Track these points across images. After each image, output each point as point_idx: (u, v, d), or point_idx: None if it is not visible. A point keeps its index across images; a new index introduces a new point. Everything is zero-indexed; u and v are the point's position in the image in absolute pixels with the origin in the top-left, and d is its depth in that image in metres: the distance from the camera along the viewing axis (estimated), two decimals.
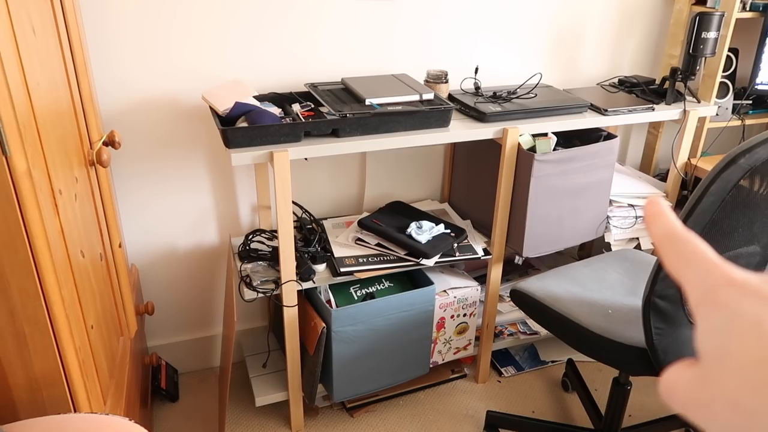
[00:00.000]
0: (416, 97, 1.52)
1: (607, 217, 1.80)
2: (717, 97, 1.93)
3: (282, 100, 1.58)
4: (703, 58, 1.77)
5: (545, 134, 1.64)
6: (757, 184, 1.04)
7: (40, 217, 0.81)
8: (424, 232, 1.65)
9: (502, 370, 1.98)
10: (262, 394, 1.69)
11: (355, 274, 1.55)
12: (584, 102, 1.69)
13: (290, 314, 1.54)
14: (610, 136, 1.72)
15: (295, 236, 1.52)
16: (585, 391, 1.78)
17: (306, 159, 1.80)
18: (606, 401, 1.62)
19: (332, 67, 1.72)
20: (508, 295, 2.03)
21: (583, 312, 1.36)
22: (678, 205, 1.97)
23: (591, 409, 1.72)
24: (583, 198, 1.70)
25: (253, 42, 1.62)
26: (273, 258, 1.59)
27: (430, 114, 1.49)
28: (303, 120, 1.45)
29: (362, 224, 1.69)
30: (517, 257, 1.76)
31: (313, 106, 1.55)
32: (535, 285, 1.48)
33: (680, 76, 1.77)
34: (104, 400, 1.10)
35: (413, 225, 1.66)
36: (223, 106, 1.41)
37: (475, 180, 1.82)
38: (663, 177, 2.05)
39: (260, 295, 1.50)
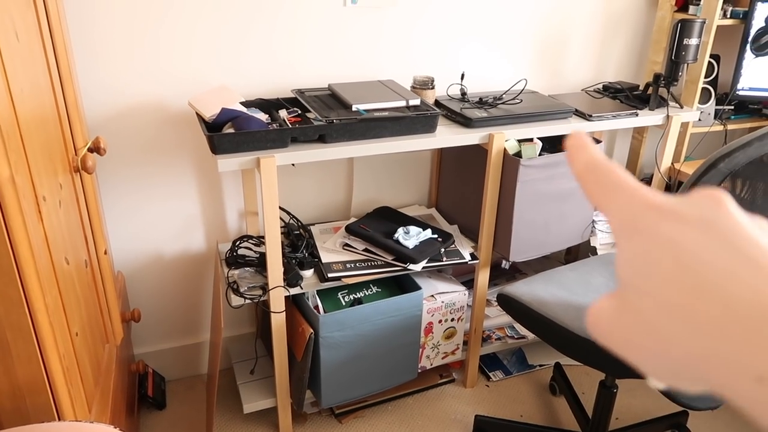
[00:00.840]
0: (403, 103, 1.53)
1: (593, 221, 1.81)
2: (699, 102, 1.96)
3: (269, 106, 1.58)
4: (686, 65, 1.80)
5: (531, 139, 1.65)
6: (738, 188, 1.06)
7: (24, 223, 0.81)
8: (411, 237, 1.65)
9: (490, 374, 1.99)
10: (250, 400, 1.68)
11: (342, 279, 1.55)
12: (569, 108, 1.71)
13: (278, 320, 1.53)
14: (594, 142, 1.74)
15: (282, 242, 1.52)
16: (572, 395, 1.79)
17: (293, 165, 1.80)
18: (593, 404, 1.63)
19: (319, 73, 1.72)
20: (496, 299, 2.04)
21: (570, 316, 1.37)
22: None
23: (578, 412, 1.73)
24: (569, 203, 1.71)
25: (240, 48, 1.62)
26: (260, 264, 1.59)
27: (416, 120, 1.50)
28: (290, 126, 1.46)
29: (350, 230, 1.69)
30: (504, 262, 1.77)
31: (299, 112, 1.56)
32: (522, 289, 1.49)
33: (663, 82, 1.79)
34: (89, 408, 1.09)
35: (400, 230, 1.67)
36: (210, 112, 1.41)
37: (462, 185, 1.83)
38: (648, 181, 2.08)
39: (247, 301, 1.50)
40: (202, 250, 1.81)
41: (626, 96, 1.90)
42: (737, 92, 1.99)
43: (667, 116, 1.80)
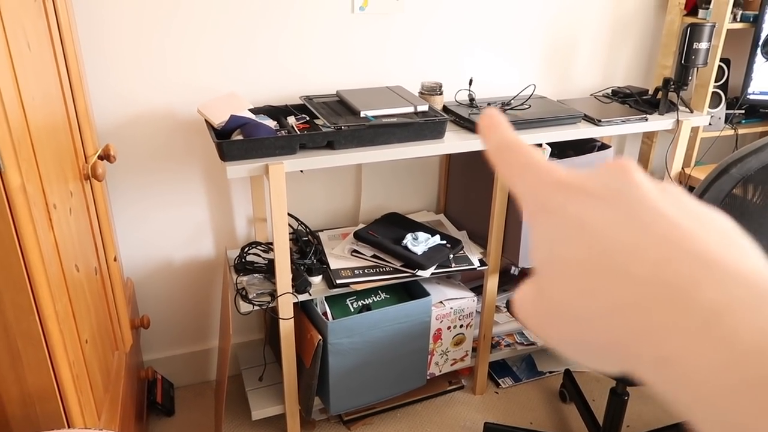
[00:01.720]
0: (411, 109, 1.53)
1: None
2: (709, 106, 1.94)
3: (277, 112, 1.59)
4: (695, 69, 1.79)
5: (539, 145, 1.64)
6: (750, 193, 1.05)
7: (35, 231, 0.81)
8: (419, 243, 1.65)
9: (500, 381, 1.98)
10: (259, 407, 1.68)
11: (351, 285, 1.55)
12: (578, 113, 1.70)
13: (286, 327, 1.53)
14: (604, 147, 1.73)
15: (290, 248, 1.52)
16: (583, 402, 1.77)
17: (301, 171, 1.80)
18: (604, 412, 1.61)
19: (327, 80, 1.73)
20: (505, 305, 2.03)
21: None
22: None
23: (589, 420, 1.72)
24: None
25: (248, 55, 1.62)
26: (269, 270, 1.59)
27: (424, 126, 1.50)
28: (298, 132, 1.46)
29: (358, 236, 1.69)
30: (513, 268, 1.76)
31: (308, 118, 1.56)
32: None
33: (673, 86, 1.78)
34: (99, 416, 1.09)
35: (409, 236, 1.66)
36: (219, 119, 1.42)
37: (471, 191, 1.82)
38: None
39: (256, 307, 1.50)
40: (210, 256, 1.82)
41: (635, 101, 1.89)
42: (748, 96, 1.98)
43: (677, 121, 1.79)
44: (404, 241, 1.65)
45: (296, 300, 1.52)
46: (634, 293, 0.20)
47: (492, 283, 1.76)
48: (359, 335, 1.59)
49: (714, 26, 1.72)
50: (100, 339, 1.19)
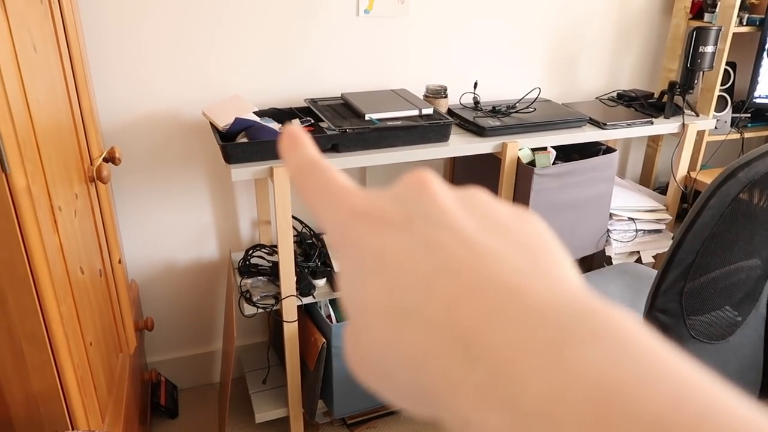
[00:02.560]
0: (415, 112, 1.53)
1: (608, 230, 1.79)
2: (715, 110, 1.94)
3: (282, 115, 1.59)
4: (701, 72, 1.78)
5: (545, 148, 1.64)
6: (756, 198, 1.04)
7: (39, 233, 0.81)
8: None
9: None
10: (262, 410, 1.68)
11: None
12: (583, 116, 1.70)
13: (290, 330, 1.53)
14: (609, 150, 1.73)
15: (295, 251, 1.52)
16: None
17: None
18: None
19: (332, 83, 1.73)
20: None
21: None
22: (678, 219, 1.96)
23: None
24: (583, 211, 1.70)
25: (253, 58, 1.63)
26: (273, 273, 1.59)
27: (429, 129, 1.50)
28: None
29: None
30: None
31: (313, 121, 1.56)
32: None
33: (678, 89, 1.78)
34: (102, 418, 1.09)
35: None
36: (224, 121, 1.42)
37: None
38: (663, 190, 2.05)
39: (260, 310, 1.50)
40: (214, 259, 1.82)
41: (641, 104, 1.88)
42: (754, 100, 1.97)
43: (683, 124, 1.78)
44: None
45: (300, 303, 1.51)
46: (431, 342, 0.17)
47: None
48: None
49: (720, 30, 1.72)
50: (104, 341, 1.19)
